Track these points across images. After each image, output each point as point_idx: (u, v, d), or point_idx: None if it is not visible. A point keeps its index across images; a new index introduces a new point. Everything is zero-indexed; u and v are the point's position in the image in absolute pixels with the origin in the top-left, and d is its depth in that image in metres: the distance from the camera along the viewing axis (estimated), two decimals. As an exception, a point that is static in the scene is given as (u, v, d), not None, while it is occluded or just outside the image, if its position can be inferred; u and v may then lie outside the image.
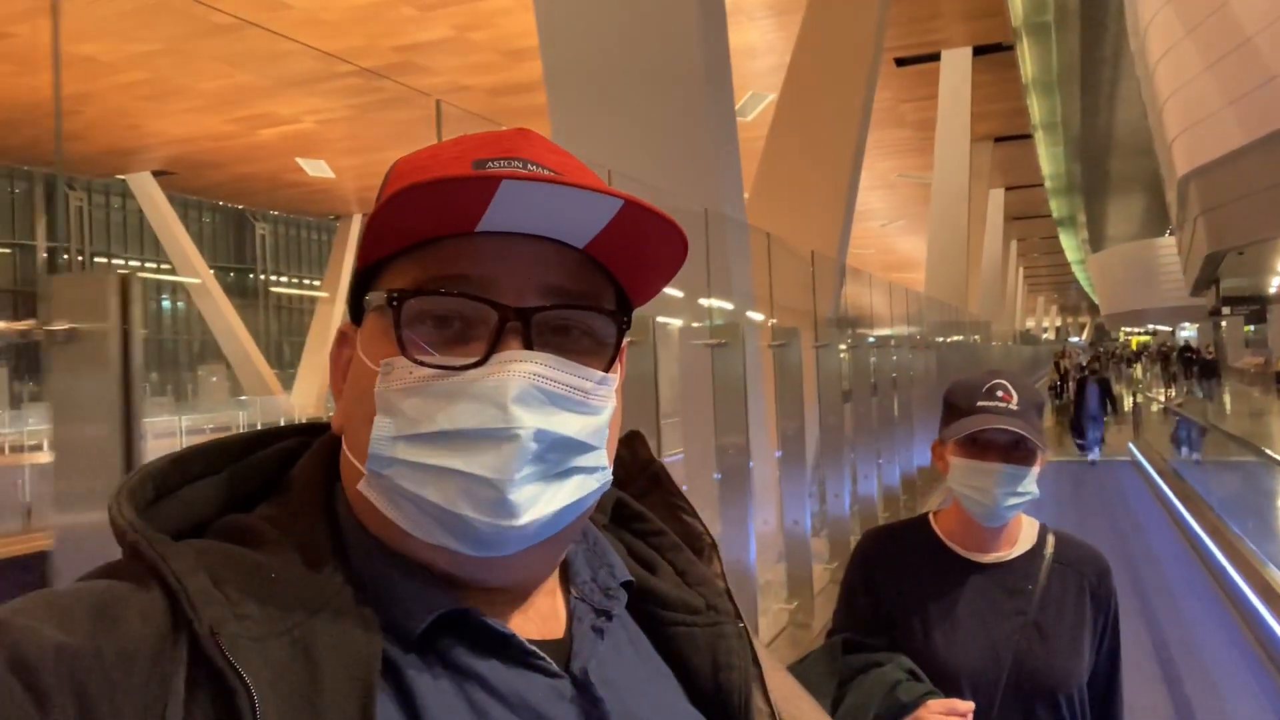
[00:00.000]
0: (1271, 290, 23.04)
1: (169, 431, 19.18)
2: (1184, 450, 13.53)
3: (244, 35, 15.27)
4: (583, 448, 0.60)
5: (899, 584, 1.69)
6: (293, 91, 18.59)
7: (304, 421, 0.72)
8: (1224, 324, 33.94)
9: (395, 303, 0.60)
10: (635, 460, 0.80)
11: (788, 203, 8.58)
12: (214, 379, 28.81)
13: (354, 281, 0.67)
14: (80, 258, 31.37)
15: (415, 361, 0.59)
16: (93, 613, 0.51)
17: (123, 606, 0.52)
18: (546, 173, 0.61)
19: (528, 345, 0.59)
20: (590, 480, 0.62)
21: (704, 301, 4.52)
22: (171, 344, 34.09)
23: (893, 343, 8.38)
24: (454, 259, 0.61)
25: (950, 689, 1.54)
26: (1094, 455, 14.99)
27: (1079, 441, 15.46)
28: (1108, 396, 15.66)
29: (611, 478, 0.65)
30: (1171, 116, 11.39)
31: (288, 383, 29.91)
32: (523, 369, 0.58)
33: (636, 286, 0.68)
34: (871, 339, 7.67)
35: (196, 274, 26.02)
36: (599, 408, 0.62)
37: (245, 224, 35.46)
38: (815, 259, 6.68)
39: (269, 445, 0.68)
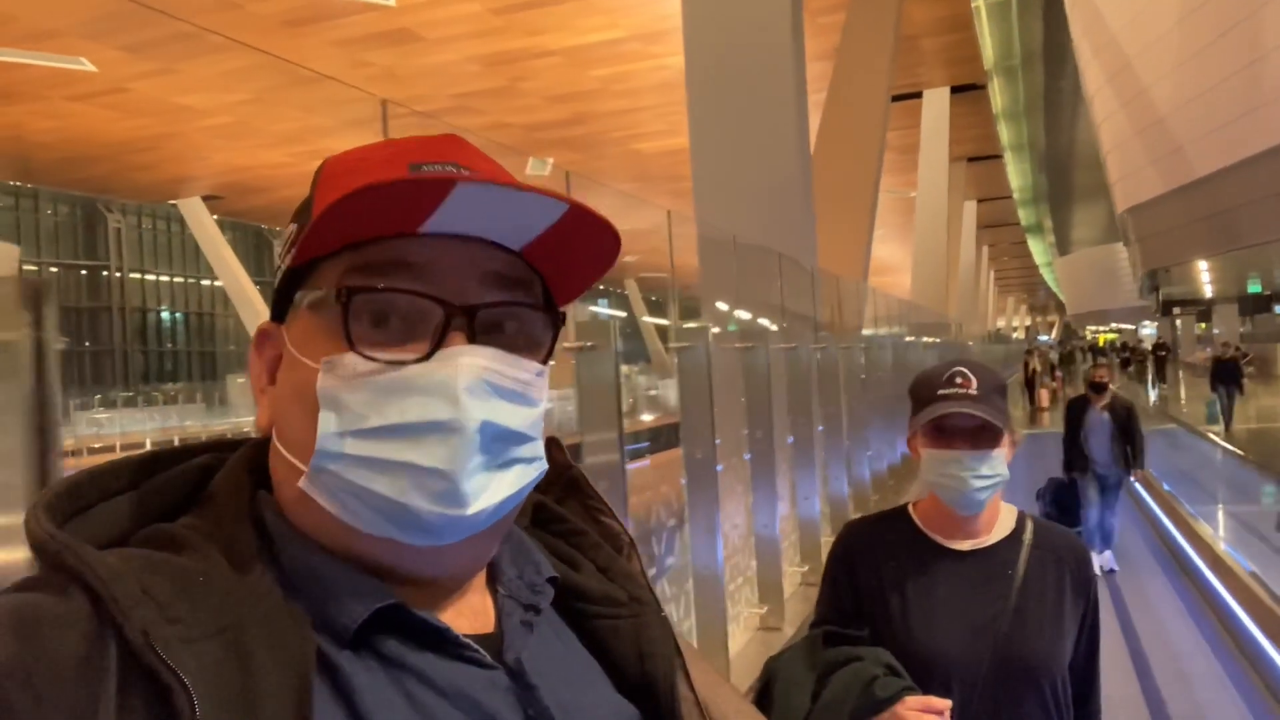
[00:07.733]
0: (1207, 295, 26.15)
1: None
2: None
3: (324, 85, 17.63)
4: (523, 438, 0.62)
5: (879, 573, 1.68)
6: (353, 129, 20.84)
7: (214, 439, 0.71)
8: (1178, 322, 36.99)
9: (345, 298, 0.60)
10: (553, 465, 0.76)
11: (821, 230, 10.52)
12: (240, 381, 30.82)
13: (283, 279, 0.66)
14: (119, 274, 33.61)
15: (364, 356, 0.59)
16: (12, 627, 0.50)
17: (44, 617, 0.51)
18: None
19: (472, 340, 0.61)
20: (529, 470, 0.64)
21: (739, 314, 5.85)
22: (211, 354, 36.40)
23: (878, 343, 9.46)
24: (396, 258, 0.62)
25: (932, 677, 1.53)
26: (1109, 561, 7.40)
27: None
28: (1130, 439, 7.19)
29: (547, 467, 0.67)
30: (1112, 165, 14.39)
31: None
32: (472, 363, 0.59)
33: (562, 287, 0.70)
34: (863, 340, 8.73)
35: (241, 287, 28.33)
36: (537, 400, 0.64)
37: (264, 242, 37.58)
38: (815, 275, 7.85)
39: (185, 460, 0.67)
